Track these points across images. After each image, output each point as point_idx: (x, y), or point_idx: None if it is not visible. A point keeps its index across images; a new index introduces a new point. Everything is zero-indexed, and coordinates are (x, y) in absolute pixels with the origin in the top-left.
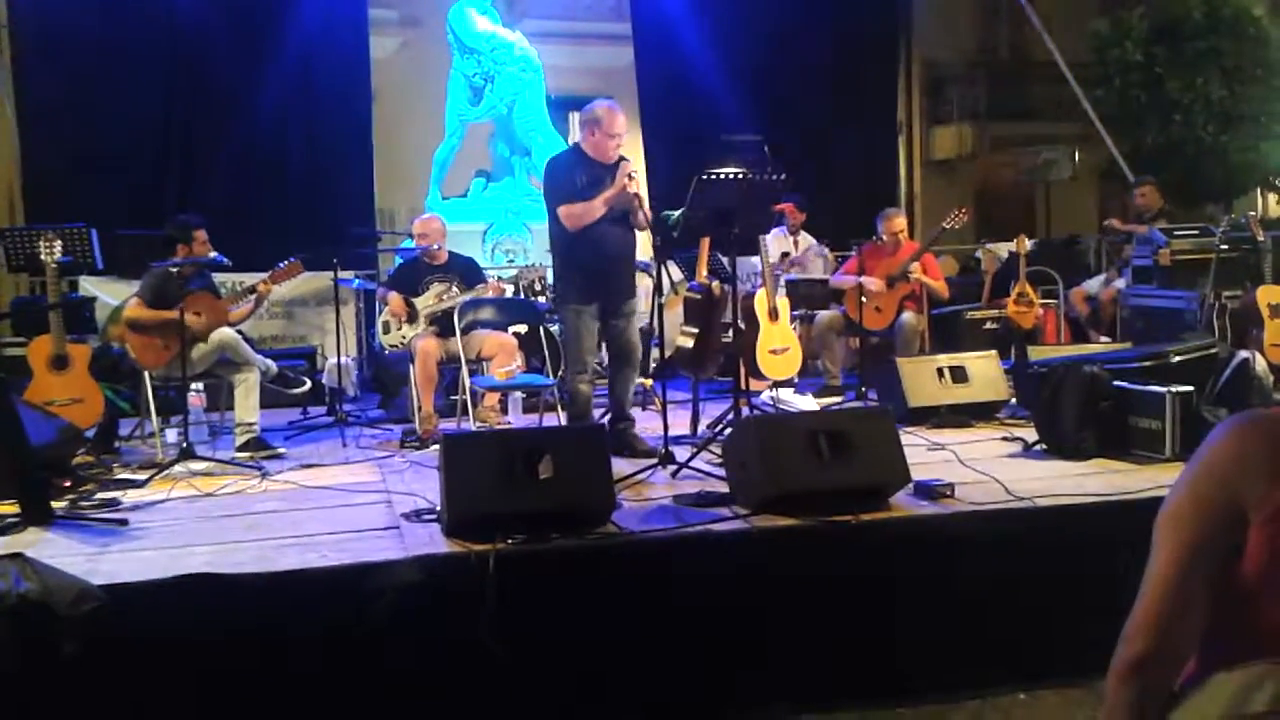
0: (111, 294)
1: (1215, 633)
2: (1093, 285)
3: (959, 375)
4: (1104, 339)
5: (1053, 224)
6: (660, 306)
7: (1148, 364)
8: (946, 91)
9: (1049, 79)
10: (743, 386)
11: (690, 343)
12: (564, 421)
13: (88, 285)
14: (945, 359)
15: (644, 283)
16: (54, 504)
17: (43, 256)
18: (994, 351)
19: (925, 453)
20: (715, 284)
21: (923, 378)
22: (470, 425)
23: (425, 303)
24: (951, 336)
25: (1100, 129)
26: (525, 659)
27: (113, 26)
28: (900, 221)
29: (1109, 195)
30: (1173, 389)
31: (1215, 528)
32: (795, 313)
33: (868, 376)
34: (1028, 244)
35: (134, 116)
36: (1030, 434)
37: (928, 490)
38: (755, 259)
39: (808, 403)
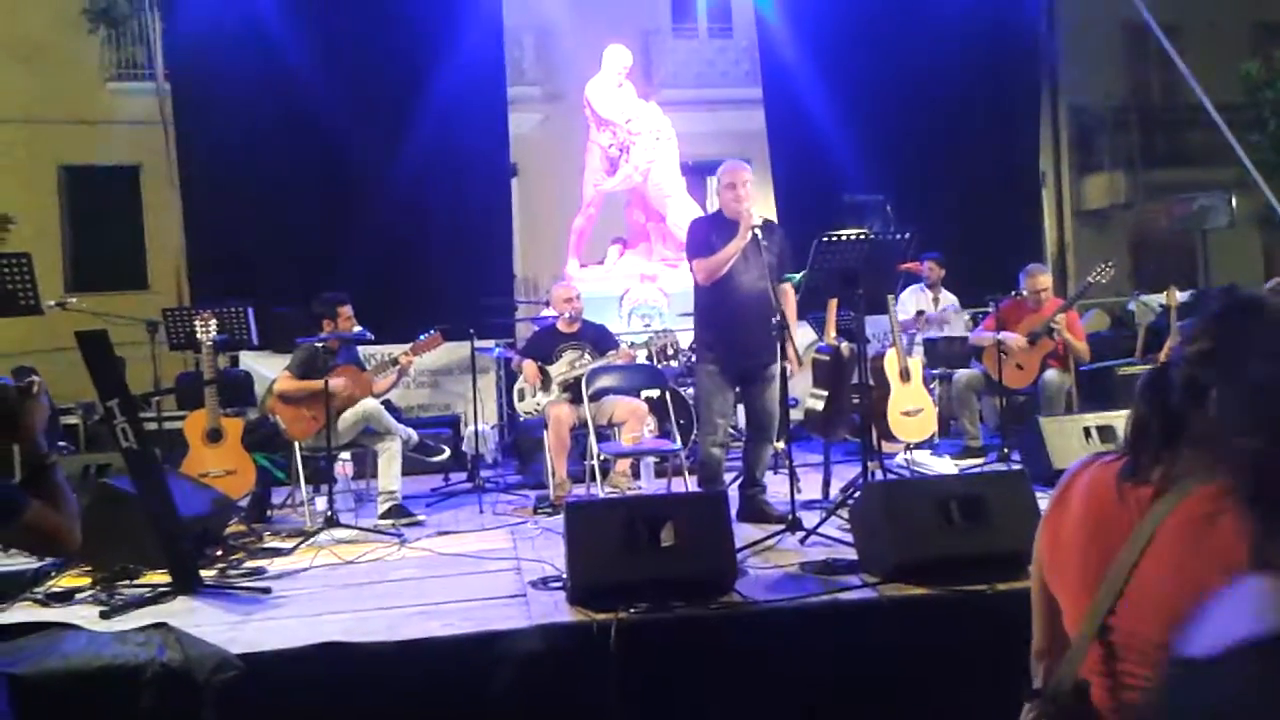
0: (269, 368)
1: None
2: None
3: (1107, 435)
4: None
5: (1212, 274)
6: (784, 370)
7: None
8: (1096, 139)
9: (1204, 123)
10: (876, 449)
11: (820, 405)
12: (695, 486)
13: (248, 360)
14: (1092, 418)
15: None
16: (204, 572)
17: (198, 335)
18: None
19: None
20: (844, 345)
21: (1068, 438)
22: (600, 491)
23: (558, 370)
24: (1103, 393)
25: (1254, 174)
26: None
27: (267, 114)
28: (1045, 279)
29: (1274, 243)
30: None
31: None
32: (934, 371)
33: (1010, 438)
34: (1179, 296)
35: (287, 198)
36: None
37: None
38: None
39: (945, 465)
